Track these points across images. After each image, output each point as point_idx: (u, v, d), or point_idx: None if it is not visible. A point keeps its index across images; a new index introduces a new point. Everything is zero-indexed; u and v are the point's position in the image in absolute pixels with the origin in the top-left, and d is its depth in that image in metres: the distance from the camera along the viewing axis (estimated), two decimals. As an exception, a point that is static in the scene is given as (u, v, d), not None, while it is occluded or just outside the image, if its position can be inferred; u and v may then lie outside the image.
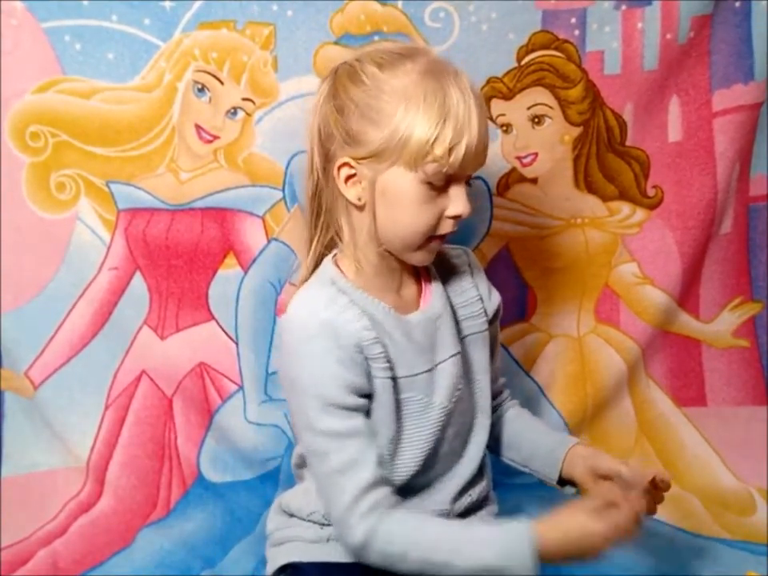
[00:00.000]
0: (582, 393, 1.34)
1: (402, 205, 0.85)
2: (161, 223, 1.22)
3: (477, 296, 0.98)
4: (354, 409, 0.86)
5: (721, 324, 1.37)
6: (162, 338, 1.26)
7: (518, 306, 1.33)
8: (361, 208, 0.87)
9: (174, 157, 1.20)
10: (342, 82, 0.86)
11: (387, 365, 0.88)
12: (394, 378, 0.89)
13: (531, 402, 1.34)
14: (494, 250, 1.30)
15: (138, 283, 1.24)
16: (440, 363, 0.92)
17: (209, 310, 1.25)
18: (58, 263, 1.22)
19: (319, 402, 0.85)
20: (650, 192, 1.30)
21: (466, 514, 0.97)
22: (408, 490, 0.92)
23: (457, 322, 0.95)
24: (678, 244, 1.31)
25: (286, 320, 0.90)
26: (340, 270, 0.91)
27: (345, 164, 0.86)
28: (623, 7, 1.21)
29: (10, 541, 1.22)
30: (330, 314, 0.86)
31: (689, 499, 1.34)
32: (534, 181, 1.27)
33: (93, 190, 1.21)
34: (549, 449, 0.99)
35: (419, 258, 0.89)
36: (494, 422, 1.01)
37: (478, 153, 0.84)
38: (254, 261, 1.24)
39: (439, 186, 0.84)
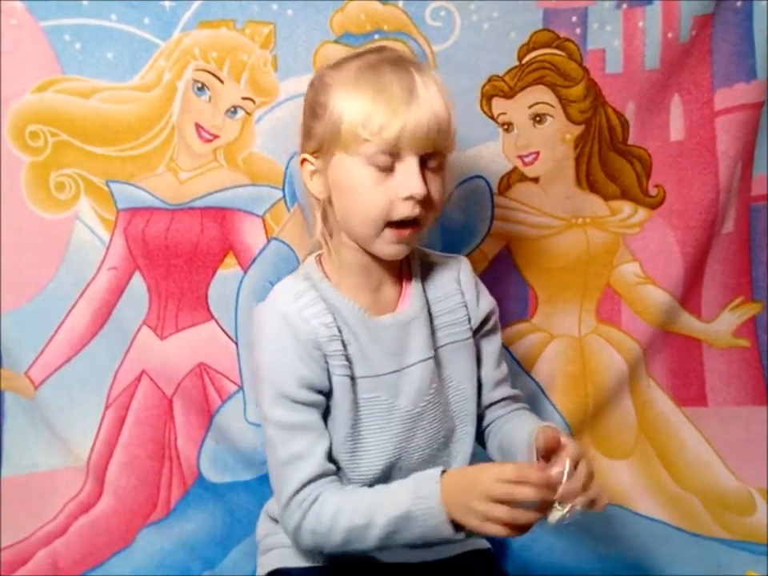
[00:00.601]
0: (582, 393, 1.34)
1: (350, 191, 0.87)
2: (160, 223, 1.22)
3: (461, 303, 0.97)
4: (307, 404, 0.88)
5: (721, 324, 1.37)
6: (162, 338, 1.26)
7: (519, 305, 1.32)
8: (324, 202, 0.90)
9: (174, 156, 1.20)
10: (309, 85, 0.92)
11: (345, 363, 0.89)
12: (352, 377, 0.90)
13: (532, 402, 1.34)
14: (495, 250, 1.30)
15: (138, 283, 1.24)
16: (408, 367, 0.92)
17: (208, 309, 1.25)
18: (57, 263, 1.22)
19: (273, 392, 0.88)
20: (652, 191, 1.30)
21: None
22: None
23: (433, 328, 0.95)
24: (680, 243, 1.31)
25: (255, 310, 0.93)
26: (321, 266, 0.94)
27: (304, 160, 0.90)
28: (624, 6, 1.21)
29: (10, 541, 1.23)
30: (293, 308, 0.89)
31: (689, 499, 1.34)
32: (536, 180, 1.27)
33: (92, 189, 1.20)
34: (526, 442, 0.94)
35: (383, 250, 0.89)
36: (487, 428, 1.01)
37: (422, 132, 0.83)
38: (253, 260, 1.24)
39: (385, 167, 0.84)
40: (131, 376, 1.26)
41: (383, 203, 0.85)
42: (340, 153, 0.86)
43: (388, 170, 0.84)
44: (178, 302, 1.25)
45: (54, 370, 1.24)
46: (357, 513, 0.84)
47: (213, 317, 1.26)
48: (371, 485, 0.91)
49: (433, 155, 0.86)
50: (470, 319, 0.97)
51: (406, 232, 0.87)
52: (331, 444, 0.90)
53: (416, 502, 0.81)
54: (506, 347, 1.31)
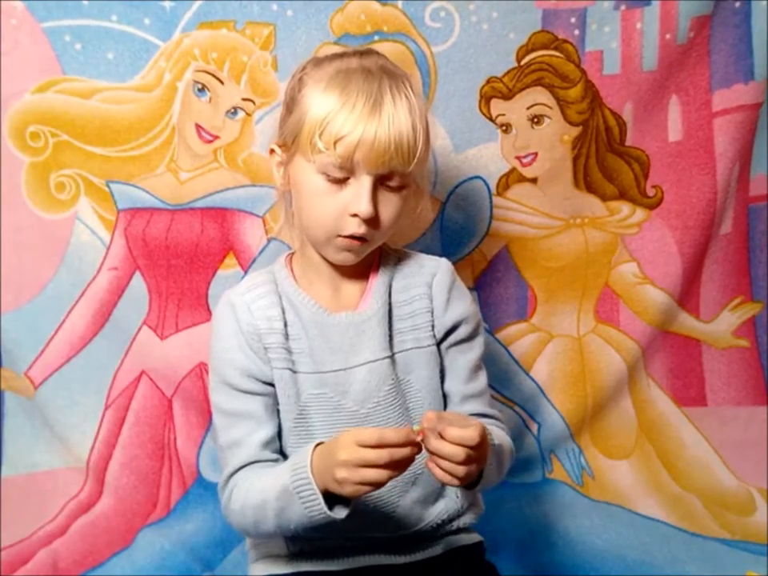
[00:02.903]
0: (582, 392, 1.34)
1: (304, 196, 0.87)
2: (160, 223, 1.22)
3: (427, 308, 0.93)
4: (247, 392, 0.90)
5: (721, 324, 1.37)
6: (162, 338, 1.26)
7: (518, 305, 1.33)
8: (287, 195, 0.91)
9: (174, 157, 1.20)
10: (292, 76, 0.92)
11: (286, 356, 0.90)
12: (294, 371, 0.90)
13: (531, 402, 1.34)
14: (494, 250, 1.30)
15: (138, 283, 1.24)
16: (356, 366, 0.91)
17: (209, 309, 1.25)
18: (57, 263, 1.22)
19: (217, 379, 0.91)
20: (650, 192, 1.30)
21: (422, 538, 0.94)
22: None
23: (392, 330, 0.92)
24: (678, 244, 1.31)
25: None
26: (290, 264, 0.95)
27: (272, 150, 0.91)
28: (622, 7, 1.21)
29: (10, 541, 1.22)
30: (243, 300, 0.91)
31: (689, 499, 1.34)
32: (534, 181, 1.27)
33: (92, 189, 1.20)
34: None
35: (332, 256, 0.89)
36: None
37: (379, 151, 0.81)
38: (253, 261, 1.24)
39: (338, 180, 0.84)
40: (131, 376, 1.26)
41: (332, 216, 0.84)
42: (300, 156, 0.85)
43: (341, 182, 0.84)
44: (178, 302, 1.25)
45: (54, 370, 1.24)
46: (256, 491, 0.85)
47: (213, 317, 1.26)
48: None
49: (392, 176, 0.84)
50: (433, 326, 0.94)
51: (356, 244, 0.86)
52: (278, 433, 0.91)
53: (293, 474, 0.80)
54: (504, 347, 1.32)
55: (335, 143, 0.81)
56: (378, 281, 0.93)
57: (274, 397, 0.91)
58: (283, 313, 0.91)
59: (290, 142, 0.87)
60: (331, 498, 0.79)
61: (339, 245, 0.87)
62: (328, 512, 0.78)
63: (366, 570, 0.93)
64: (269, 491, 0.83)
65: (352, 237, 0.86)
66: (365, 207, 0.83)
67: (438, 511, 0.95)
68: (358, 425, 0.90)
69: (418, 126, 0.84)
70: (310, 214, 0.87)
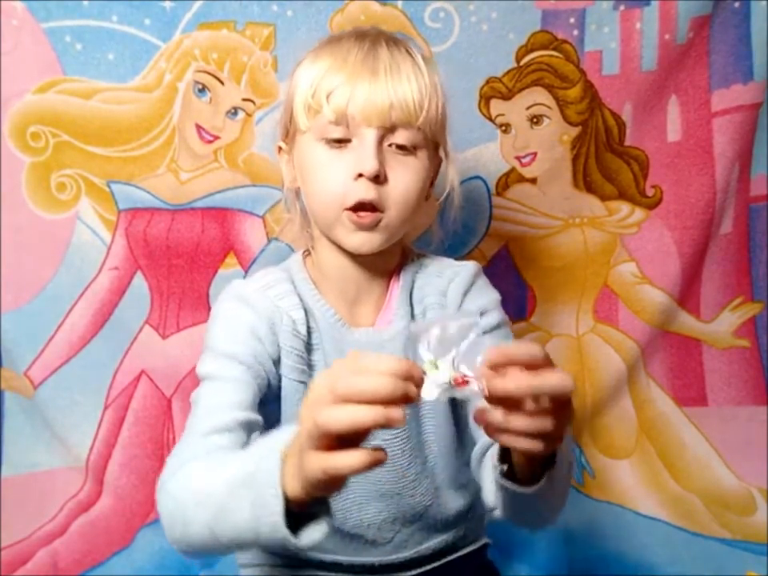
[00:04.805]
0: (581, 392, 1.34)
1: (307, 173, 0.80)
2: (161, 223, 1.22)
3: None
4: (237, 360, 0.77)
5: (721, 324, 1.37)
6: (164, 337, 1.26)
7: (518, 305, 1.32)
8: (296, 193, 0.85)
9: (175, 157, 1.20)
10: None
11: (302, 368, 0.80)
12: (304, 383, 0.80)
13: (531, 402, 1.34)
14: (493, 250, 1.30)
15: (139, 283, 1.24)
16: None
17: (210, 309, 1.25)
18: (57, 263, 1.22)
19: (210, 354, 0.80)
20: (649, 192, 1.30)
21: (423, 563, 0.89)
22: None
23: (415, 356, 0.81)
24: (677, 244, 1.31)
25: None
26: (305, 263, 0.86)
27: (279, 148, 0.86)
28: (622, 8, 1.21)
29: (10, 541, 1.22)
30: (261, 294, 0.79)
31: (689, 499, 1.34)
32: (533, 181, 1.28)
33: (93, 190, 1.21)
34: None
35: (345, 240, 0.78)
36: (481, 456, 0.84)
37: (379, 100, 0.74)
38: (254, 261, 1.24)
39: (339, 142, 0.76)
40: (130, 376, 1.26)
41: (337, 183, 0.76)
42: (299, 134, 0.79)
43: (342, 144, 0.76)
44: (179, 302, 1.25)
45: (54, 370, 1.24)
46: (196, 479, 0.67)
47: (213, 317, 1.26)
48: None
49: (397, 131, 0.76)
50: None
51: (366, 219, 0.76)
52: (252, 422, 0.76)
53: (258, 464, 0.59)
54: (504, 347, 1.32)
55: (328, 98, 0.75)
56: (400, 292, 0.84)
57: (265, 387, 0.79)
58: (306, 318, 0.81)
59: (288, 125, 0.82)
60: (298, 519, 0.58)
61: (348, 222, 0.77)
62: (280, 515, 0.56)
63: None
64: (217, 480, 0.63)
65: (361, 206, 0.76)
66: (368, 162, 0.74)
67: (443, 538, 0.90)
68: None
69: (422, 77, 0.77)
70: (315, 190, 0.79)
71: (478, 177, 1.26)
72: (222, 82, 1.18)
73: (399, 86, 0.75)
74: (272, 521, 0.56)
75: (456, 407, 0.86)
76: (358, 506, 0.85)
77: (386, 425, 0.51)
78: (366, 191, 0.75)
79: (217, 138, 1.20)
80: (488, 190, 1.27)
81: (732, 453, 1.36)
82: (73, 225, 1.21)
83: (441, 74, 0.82)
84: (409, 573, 0.90)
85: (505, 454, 0.67)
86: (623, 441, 1.36)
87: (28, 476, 1.26)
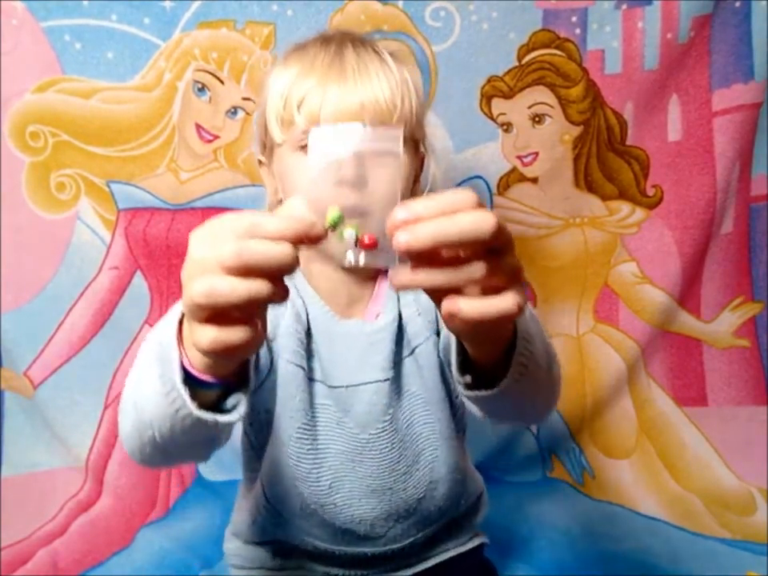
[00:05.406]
0: (581, 392, 1.34)
1: (287, 185, 0.78)
2: (161, 223, 1.22)
3: (416, 310, 0.82)
4: None
5: (721, 324, 1.37)
6: (164, 337, 1.26)
7: (518, 305, 1.32)
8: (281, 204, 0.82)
9: (174, 156, 1.20)
10: None
11: (301, 353, 0.78)
12: (310, 379, 0.80)
13: (531, 402, 1.34)
14: (493, 250, 1.30)
15: (139, 283, 1.24)
16: (361, 384, 0.80)
17: (209, 309, 1.25)
18: (57, 263, 1.22)
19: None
20: (650, 191, 1.30)
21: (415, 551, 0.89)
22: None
23: (399, 344, 0.80)
24: (677, 243, 1.31)
25: None
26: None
27: (260, 162, 0.84)
28: (624, 7, 1.21)
29: (10, 541, 1.22)
30: None
31: (689, 499, 1.34)
32: (534, 180, 1.27)
33: (93, 189, 1.20)
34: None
35: (332, 250, 0.72)
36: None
37: (350, 104, 0.73)
38: (253, 260, 1.24)
39: None
40: (131, 376, 1.26)
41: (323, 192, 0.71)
42: (276, 147, 0.78)
43: None
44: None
45: (54, 370, 1.25)
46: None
47: (213, 317, 1.26)
48: (322, 502, 0.82)
49: None
50: (437, 320, 0.81)
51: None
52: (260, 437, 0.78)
53: (168, 326, 0.56)
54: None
55: (299, 107, 0.74)
56: (386, 283, 0.83)
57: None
58: (305, 306, 0.79)
59: (264, 139, 0.80)
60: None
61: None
62: (178, 374, 0.53)
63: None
64: (144, 362, 0.60)
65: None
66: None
67: (437, 526, 0.90)
68: (358, 451, 0.81)
69: (392, 74, 0.76)
70: None
71: (478, 176, 1.25)
72: (221, 82, 1.18)
73: (369, 86, 0.74)
74: (172, 379, 0.54)
75: (450, 395, 0.84)
76: (349, 502, 0.84)
77: (255, 297, 0.46)
78: (346, 198, 0.70)
79: (216, 137, 1.20)
80: (489, 189, 1.27)
81: (732, 453, 1.36)
82: (73, 225, 1.21)
83: (413, 68, 0.82)
84: (407, 572, 0.91)
85: (466, 363, 0.61)
86: (623, 441, 1.37)
87: (28, 476, 1.27)
